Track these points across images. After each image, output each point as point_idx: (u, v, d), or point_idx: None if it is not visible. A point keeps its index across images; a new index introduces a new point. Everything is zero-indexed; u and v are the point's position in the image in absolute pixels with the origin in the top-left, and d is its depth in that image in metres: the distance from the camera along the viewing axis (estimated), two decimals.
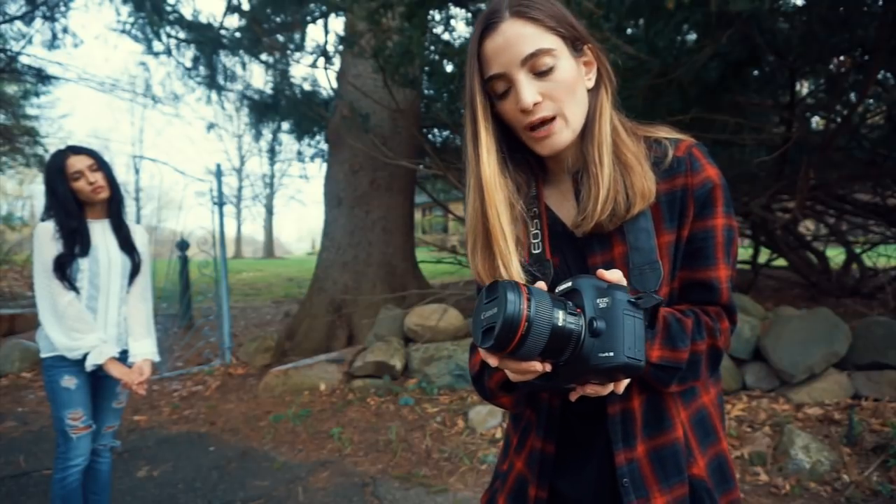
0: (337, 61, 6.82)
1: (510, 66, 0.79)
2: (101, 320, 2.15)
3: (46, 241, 2.04)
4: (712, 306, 0.85)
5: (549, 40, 0.80)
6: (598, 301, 0.67)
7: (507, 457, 1.00)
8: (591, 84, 0.86)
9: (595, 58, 0.86)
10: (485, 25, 0.81)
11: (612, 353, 0.65)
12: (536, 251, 0.87)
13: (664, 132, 0.88)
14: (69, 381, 2.08)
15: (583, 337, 0.66)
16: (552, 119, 0.81)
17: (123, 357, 2.25)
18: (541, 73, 0.80)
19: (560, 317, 0.65)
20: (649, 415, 0.84)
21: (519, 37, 0.79)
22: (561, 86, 0.80)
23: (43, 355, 2.10)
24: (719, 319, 0.84)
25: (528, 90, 0.79)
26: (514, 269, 0.83)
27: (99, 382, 2.19)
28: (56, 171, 2.08)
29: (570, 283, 0.71)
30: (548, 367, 0.69)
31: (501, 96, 0.83)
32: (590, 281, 0.69)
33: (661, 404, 0.84)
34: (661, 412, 0.84)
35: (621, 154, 0.83)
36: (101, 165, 2.14)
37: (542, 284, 0.72)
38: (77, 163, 2.08)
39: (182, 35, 6.61)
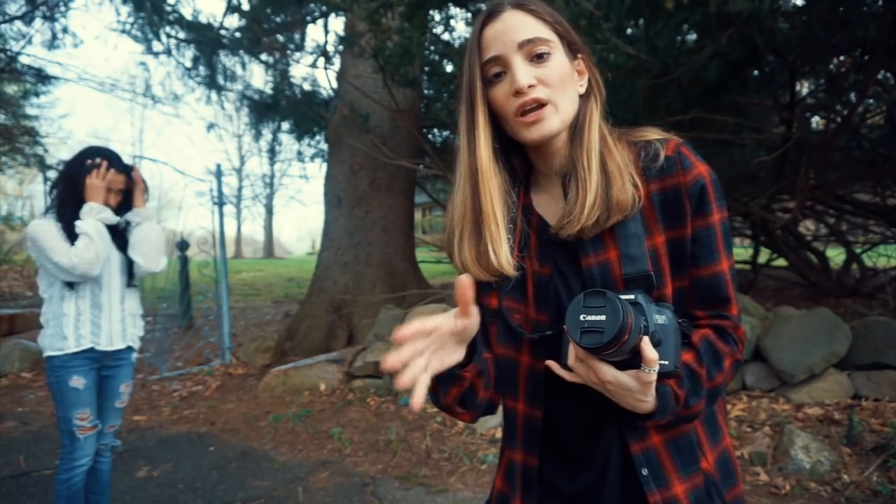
0: (337, 61, 6.82)
1: (507, 49, 0.82)
2: (106, 315, 2.17)
3: (50, 228, 2.07)
4: (725, 319, 0.85)
5: (547, 33, 0.83)
6: (656, 316, 0.75)
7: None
8: (582, 90, 0.88)
9: (587, 68, 0.89)
10: (487, 15, 0.85)
11: (667, 362, 0.75)
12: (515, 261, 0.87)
13: (653, 134, 0.89)
14: (78, 381, 2.08)
15: None
16: (544, 104, 0.82)
17: (130, 354, 2.26)
18: (536, 60, 0.82)
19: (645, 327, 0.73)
20: None
21: (518, 24, 0.82)
22: (555, 74, 0.82)
23: (49, 354, 2.08)
24: (735, 331, 0.86)
25: (524, 71, 0.81)
26: (503, 255, 0.84)
27: (103, 382, 2.20)
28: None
29: (633, 296, 0.76)
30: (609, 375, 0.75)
31: (495, 82, 0.84)
32: (646, 296, 0.77)
33: None
34: None
35: (605, 164, 0.84)
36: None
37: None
38: (114, 180, 2.16)
39: (182, 35, 6.60)
